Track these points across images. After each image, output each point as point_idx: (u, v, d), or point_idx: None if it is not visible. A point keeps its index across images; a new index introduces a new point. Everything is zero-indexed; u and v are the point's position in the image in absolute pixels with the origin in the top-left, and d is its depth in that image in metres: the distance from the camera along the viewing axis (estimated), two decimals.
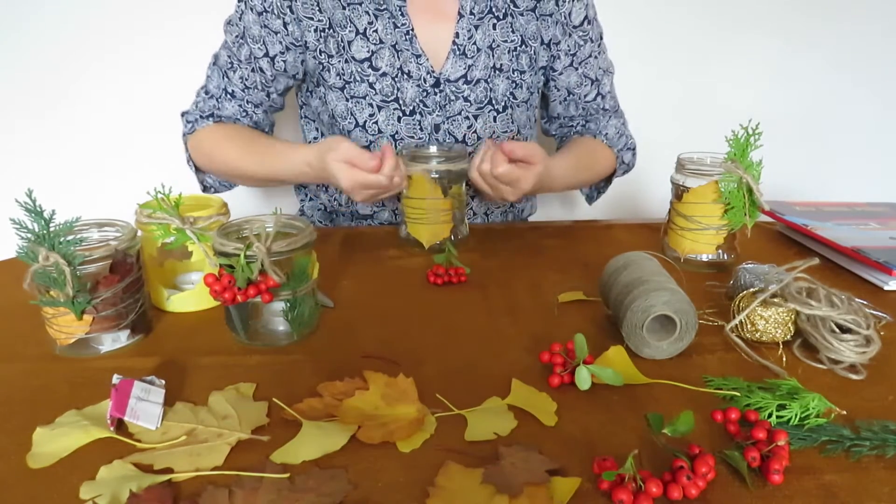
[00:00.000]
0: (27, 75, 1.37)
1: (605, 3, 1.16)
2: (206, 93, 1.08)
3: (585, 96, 1.17)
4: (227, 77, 1.05)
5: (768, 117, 0.99)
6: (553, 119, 1.22)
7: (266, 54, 1.02)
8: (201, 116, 1.07)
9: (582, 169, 1.14)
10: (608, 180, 1.21)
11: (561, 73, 1.14)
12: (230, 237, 0.67)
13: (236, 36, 1.02)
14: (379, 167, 0.86)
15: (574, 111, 1.19)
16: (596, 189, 1.24)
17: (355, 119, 1.04)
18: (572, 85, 1.15)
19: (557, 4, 1.08)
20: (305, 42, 1.02)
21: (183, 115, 1.09)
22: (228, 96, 1.06)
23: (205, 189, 1.13)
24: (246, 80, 1.04)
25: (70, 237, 0.64)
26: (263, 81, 1.05)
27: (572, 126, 1.22)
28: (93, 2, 1.34)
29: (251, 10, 1.00)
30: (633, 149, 1.21)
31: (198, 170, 1.11)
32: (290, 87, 1.10)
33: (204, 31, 1.19)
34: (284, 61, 1.03)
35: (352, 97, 1.03)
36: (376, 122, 1.04)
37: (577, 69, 1.14)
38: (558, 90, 1.16)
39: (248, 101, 1.07)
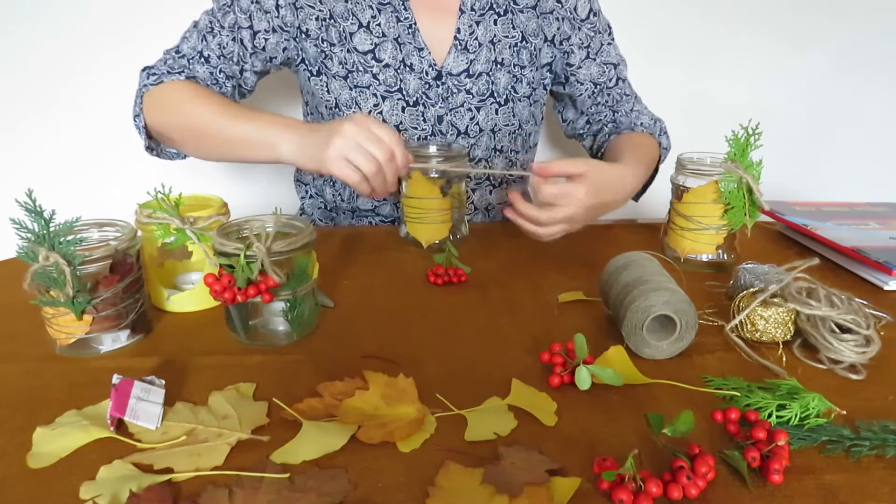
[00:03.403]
0: (27, 75, 1.37)
1: (606, 1, 1.16)
2: (178, 52, 1.01)
3: (609, 82, 1.16)
4: (206, 40, 1.00)
5: (768, 117, 0.99)
6: (581, 114, 1.21)
7: (250, 27, 1.00)
8: (170, 72, 0.99)
9: (648, 170, 1.05)
10: (654, 172, 1.15)
11: (580, 68, 1.14)
12: (230, 237, 0.67)
13: (224, 3, 1.00)
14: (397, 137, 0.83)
15: (601, 100, 1.18)
16: (645, 185, 1.17)
17: (359, 108, 1.05)
18: (595, 76, 1.15)
19: (559, 1, 1.09)
20: (306, 31, 1.01)
21: (145, 69, 1.01)
22: (202, 60, 1.00)
23: (148, 149, 1.03)
24: (224, 47, 1.00)
25: (70, 237, 0.64)
26: (240, 54, 1.01)
27: (601, 120, 1.20)
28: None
29: None
30: (667, 132, 1.18)
31: (145, 127, 1.00)
32: (265, 70, 1.06)
33: None
34: (265, 40, 1.01)
35: (355, 86, 1.04)
36: (381, 112, 1.05)
37: (595, 59, 1.14)
38: (582, 84, 1.15)
39: (220, 71, 1.01)
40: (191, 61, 1.01)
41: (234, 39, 1.00)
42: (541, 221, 0.85)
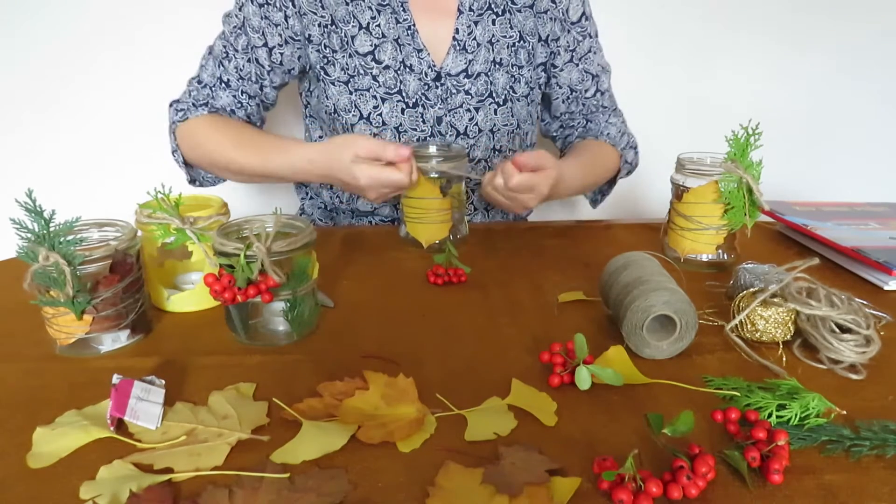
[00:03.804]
0: (27, 75, 1.37)
1: (608, 1, 1.16)
2: (200, 82, 1.06)
3: (586, 92, 1.18)
4: (223, 66, 1.04)
5: (768, 117, 0.99)
6: (555, 118, 1.23)
7: (265, 45, 1.02)
8: (194, 105, 1.05)
9: (589, 173, 1.13)
10: (612, 182, 1.22)
11: (562, 70, 1.15)
12: (230, 237, 0.67)
13: (234, 26, 1.03)
14: (407, 156, 0.87)
15: (575, 108, 1.20)
16: (600, 192, 1.24)
17: (359, 112, 1.05)
18: (574, 81, 1.16)
19: (554, 1, 1.10)
20: (309, 36, 1.02)
21: (172, 104, 1.07)
22: (223, 85, 1.05)
23: (191, 182, 1.11)
24: (241, 69, 1.04)
25: (70, 237, 0.64)
26: (258, 73, 1.05)
27: (573, 126, 1.23)
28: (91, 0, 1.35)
29: (252, 1, 1.01)
30: (636, 147, 1.22)
31: (185, 162, 1.08)
32: (283, 83, 1.09)
33: (205, 28, 1.19)
34: (282, 54, 1.04)
35: (356, 90, 1.04)
36: (380, 115, 1.05)
37: (577, 65, 1.15)
38: (560, 88, 1.17)
39: (242, 92, 1.05)
40: (213, 89, 1.05)
41: (249, 60, 1.04)
42: (502, 193, 0.94)
